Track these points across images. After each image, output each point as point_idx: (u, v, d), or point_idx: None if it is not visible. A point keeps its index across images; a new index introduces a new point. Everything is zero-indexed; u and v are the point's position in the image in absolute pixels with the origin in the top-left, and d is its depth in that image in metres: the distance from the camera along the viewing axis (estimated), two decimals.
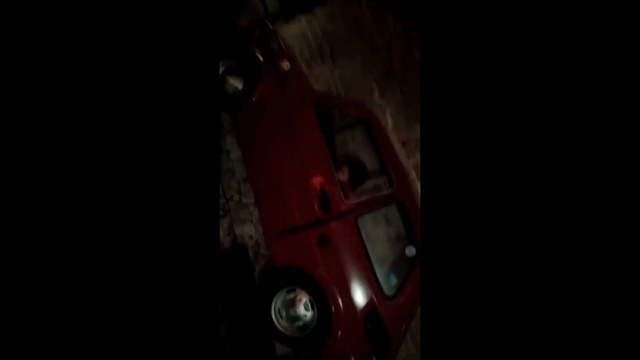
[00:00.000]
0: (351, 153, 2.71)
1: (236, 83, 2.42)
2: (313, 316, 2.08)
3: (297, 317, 2.12)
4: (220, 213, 2.64)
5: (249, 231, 2.62)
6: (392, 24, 3.16)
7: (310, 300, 2.10)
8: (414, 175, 2.79)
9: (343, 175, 2.39)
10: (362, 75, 3.14)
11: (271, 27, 2.65)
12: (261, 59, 2.37)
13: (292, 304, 2.17)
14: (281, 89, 2.34)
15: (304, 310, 2.14)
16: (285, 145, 2.26)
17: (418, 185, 2.76)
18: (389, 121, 2.97)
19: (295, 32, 3.20)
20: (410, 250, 2.30)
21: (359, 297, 2.06)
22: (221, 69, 2.42)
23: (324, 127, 2.41)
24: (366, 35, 3.21)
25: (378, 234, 2.56)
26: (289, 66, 2.39)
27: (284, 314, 2.13)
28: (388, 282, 2.25)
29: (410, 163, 2.85)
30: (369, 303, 2.06)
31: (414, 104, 2.98)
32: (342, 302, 2.03)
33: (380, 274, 2.15)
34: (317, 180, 2.19)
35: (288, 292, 2.16)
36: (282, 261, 2.20)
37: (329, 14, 3.35)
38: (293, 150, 2.26)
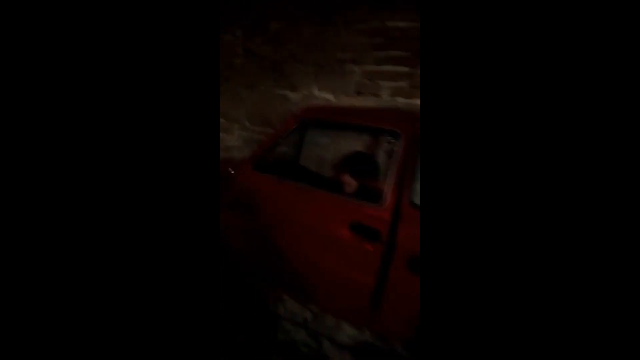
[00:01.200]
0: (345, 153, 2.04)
1: None
2: None
3: None
4: None
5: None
6: (231, 37, 2.65)
7: None
8: (401, 101, 2.12)
9: (350, 187, 1.73)
10: (263, 97, 2.59)
11: None
12: None
13: None
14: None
15: None
16: (273, 235, 1.65)
17: (417, 104, 2.08)
18: (327, 96, 2.36)
19: None
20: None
21: None
22: None
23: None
24: (226, 70, 2.70)
25: None
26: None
27: None
28: None
29: (386, 96, 2.18)
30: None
31: (319, 55, 2.36)
32: None
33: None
34: (332, 223, 1.55)
35: None
36: (406, 328, 1.48)
37: None
38: (280, 230, 1.64)
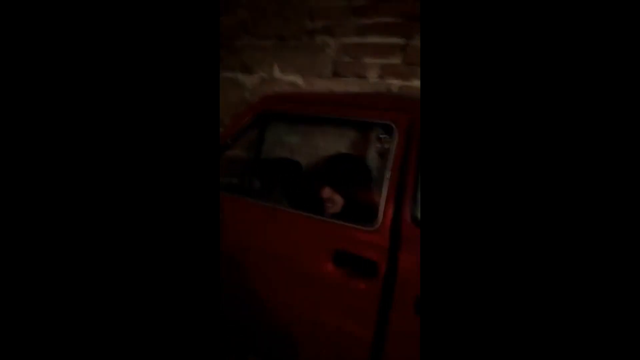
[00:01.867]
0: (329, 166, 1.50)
1: None
2: None
3: None
4: None
5: None
6: None
7: None
8: (396, 83, 1.59)
9: (333, 205, 1.31)
10: None
11: None
12: None
13: None
14: None
15: None
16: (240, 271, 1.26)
17: (417, 85, 1.57)
18: (294, 79, 1.79)
19: None
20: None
21: None
22: None
23: None
24: None
25: None
26: None
27: None
28: None
29: (374, 77, 1.65)
30: None
31: (282, 25, 1.77)
32: None
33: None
34: (312, 252, 1.15)
35: None
36: None
37: None
38: (248, 264, 1.26)
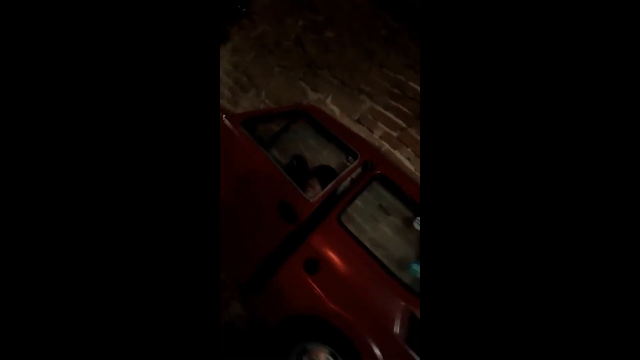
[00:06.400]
0: (314, 163, 2.30)
1: None
2: None
3: None
4: None
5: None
6: (293, 23, 2.97)
7: (332, 353, 1.49)
8: (386, 146, 2.36)
9: (314, 190, 1.93)
10: (287, 82, 2.86)
11: None
12: None
13: None
14: None
15: None
16: (226, 178, 1.86)
17: (396, 156, 2.32)
18: (334, 109, 2.62)
19: None
20: (418, 223, 1.79)
21: (389, 314, 1.45)
22: None
23: (265, 142, 2.07)
24: (274, 45, 3.01)
25: (384, 233, 2.05)
26: None
27: None
28: (413, 274, 1.70)
29: (376, 135, 2.43)
30: (403, 315, 1.46)
31: (348, 77, 2.65)
32: (371, 332, 1.43)
33: (399, 270, 1.60)
34: (270, 194, 1.75)
35: (299, 355, 1.55)
36: (273, 316, 1.65)
37: (232, 47, 3.20)
38: (235, 178, 1.85)
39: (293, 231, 1.65)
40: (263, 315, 1.71)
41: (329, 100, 2.66)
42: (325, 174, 2.07)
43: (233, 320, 1.88)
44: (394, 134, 2.37)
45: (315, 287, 1.56)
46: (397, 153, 2.33)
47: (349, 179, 1.89)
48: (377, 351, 1.41)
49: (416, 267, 1.73)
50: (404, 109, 2.38)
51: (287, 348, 1.57)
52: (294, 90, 2.81)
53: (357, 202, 1.86)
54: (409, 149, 2.28)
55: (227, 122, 1.97)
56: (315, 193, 1.82)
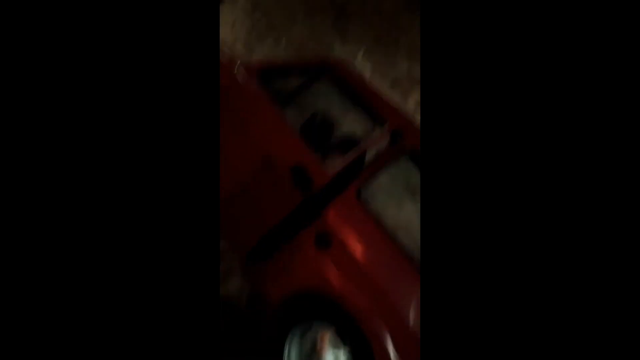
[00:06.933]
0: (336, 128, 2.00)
1: None
2: (349, 356, 1.36)
3: None
4: None
5: None
6: None
7: (337, 333, 1.40)
8: (419, 116, 2.06)
9: (335, 164, 1.70)
10: (312, 31, 2.49)
11: None
12: None
13: (313, 349, 1.46)
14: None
15: (333, 354, 1.44)
16: (236, 137, 1.62)
17: None
18: (366, 67, 2.28)
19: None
20: None
21: (404, 304, 1.31)
22: None
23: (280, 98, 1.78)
24: None
25: (409, 216, 1.82)
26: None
27: None
28: None
29: (411, 104, 2.12)
30: (419, 307, 1.32)
31: (385, 31, 2.28)
32: (383, 320, 1.31)
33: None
34: (284, 157, 1.52)
35: (303, 334, 1.48)
36: (277, 292, 1.49)
37: None
38: (246, 137, 1.62)
39: (305, 199, 1.44)
40: (265, 290, 1.57)
41: (359, 56, 2.31)
42: (352, 147, 1.80)
43: (232, 296, 1.71)
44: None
45: (326, 264, 1.41)
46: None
47: (374, 150, 1.62)
48: (388, 341, 1.30)
49: None
50: None
51: (289, 326, 1.47)
52: (320, 41, 2.46)
53: (382, 177, 1.63)
54: None
55: (241, 70, 1.67)
56: (338, 164, 1.58)
